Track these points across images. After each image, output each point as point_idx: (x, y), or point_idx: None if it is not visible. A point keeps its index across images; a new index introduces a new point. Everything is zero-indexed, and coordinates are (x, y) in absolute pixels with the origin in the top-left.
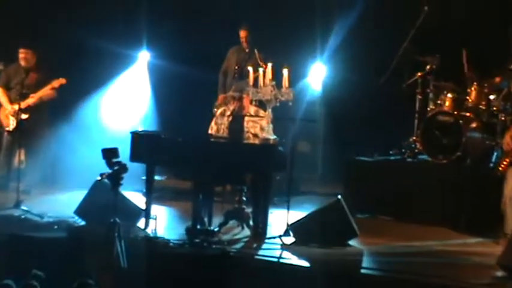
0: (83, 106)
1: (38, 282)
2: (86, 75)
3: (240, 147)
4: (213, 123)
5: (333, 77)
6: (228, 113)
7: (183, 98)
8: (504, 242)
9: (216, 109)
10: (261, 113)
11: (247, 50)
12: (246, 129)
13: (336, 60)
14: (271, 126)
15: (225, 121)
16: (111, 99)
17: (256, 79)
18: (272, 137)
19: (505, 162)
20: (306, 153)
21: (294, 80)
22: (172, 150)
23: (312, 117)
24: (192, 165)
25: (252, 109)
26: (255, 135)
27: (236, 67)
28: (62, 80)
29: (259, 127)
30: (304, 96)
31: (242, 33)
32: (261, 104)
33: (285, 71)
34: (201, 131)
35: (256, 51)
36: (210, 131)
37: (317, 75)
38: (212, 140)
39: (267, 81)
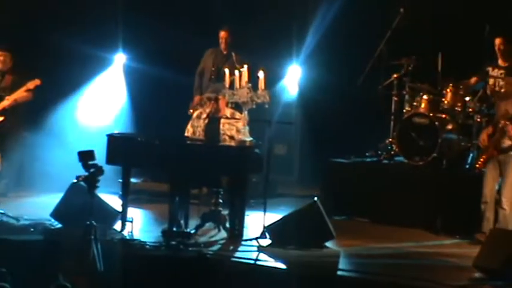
0: (59, 108)
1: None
2: (62, 77)
3: (216, 150)
4: (189, 126)
5: (309, 78)
6: (204, 115)
7: (159, 100)
8: (483, 237)
9: (191, 110)
10: (237, 115)
11: (225, 52)
12: (222, 132)
13: (312, 62)
14: (247, 128)
15: (201, 123)
16: (88, 101)
17: (232, 81)
18: (248, 139)
19: (481, 160)
20: (283, 155)
21: (270, 82)
22: (149, 152)
23: (288, 120)
24: (168, 167)
25: (228, 111)
26: (231, 138)
27: (213, 68)
28: (37, 81)
29: (235, 129)
30: (280, 99)
31: (222, 34)
32: (237, 107)
33: (261, 73)
34: (177, 133)
35: (233, 54)
36: (186, 134)
37: (293, 77)
38: (188, 142)
39: (243, 83)
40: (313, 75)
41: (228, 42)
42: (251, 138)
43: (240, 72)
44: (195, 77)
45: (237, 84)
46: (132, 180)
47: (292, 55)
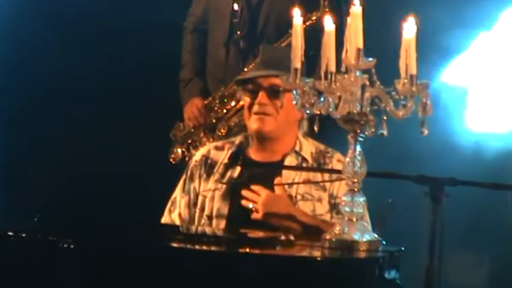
0: None
1: None
2: None
3: (266, 265)
4: (178, 193)
5: None
6: (228, 153)
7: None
8: None
9: (176, 149)
10: (336, 158)
11: None
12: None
13: None
14: (363, 201)
15: (218, 184)
16: None
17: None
18: (369, 236)
19: None
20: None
21: (431, 63)
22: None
23: (497, 175)
24: None
25: (310, 146)
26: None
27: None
28: None
29: (326, 201)
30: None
31: None
32: (332, 132)
33: (409, 27)
34: (136, 209)
35: None
36: (167, 215)
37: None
38: (175, 245)
39: (352, 56)
40: None
41: None
42: (375, 236)
43: (338, 19)
44: (185, 39)
45: (328, 58)
46: None
47: None
